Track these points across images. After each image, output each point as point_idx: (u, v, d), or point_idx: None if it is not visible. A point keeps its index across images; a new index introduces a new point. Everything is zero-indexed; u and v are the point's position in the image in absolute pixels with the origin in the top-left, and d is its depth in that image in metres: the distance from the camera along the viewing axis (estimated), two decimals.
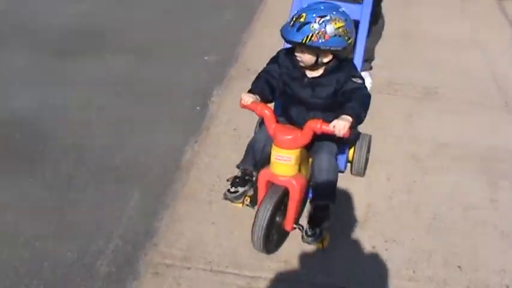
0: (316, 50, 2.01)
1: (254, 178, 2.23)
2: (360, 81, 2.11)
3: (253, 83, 2.19)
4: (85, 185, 2.61)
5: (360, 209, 2.50)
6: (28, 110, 3.14)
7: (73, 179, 2.66)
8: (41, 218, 2.41)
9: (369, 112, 2.07)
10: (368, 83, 3.25)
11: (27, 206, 2.49)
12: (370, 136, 2.66)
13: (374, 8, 2.49)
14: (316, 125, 1.99)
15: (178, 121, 3.13)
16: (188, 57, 3.85)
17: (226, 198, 2.23)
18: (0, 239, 2.28)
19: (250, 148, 2.23)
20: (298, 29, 1.97)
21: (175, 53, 3.90)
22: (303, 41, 1.97)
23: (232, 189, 2.21)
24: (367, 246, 2.30)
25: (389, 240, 2.33)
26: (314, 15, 1.98)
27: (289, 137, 2.03)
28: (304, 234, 2.13)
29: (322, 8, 2.01)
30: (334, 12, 2.01)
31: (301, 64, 2.09)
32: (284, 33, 2.02)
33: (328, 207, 2.17)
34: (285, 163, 2.06)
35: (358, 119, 2.00)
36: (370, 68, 3.51)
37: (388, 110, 3.24)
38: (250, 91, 2.13)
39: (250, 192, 2.25)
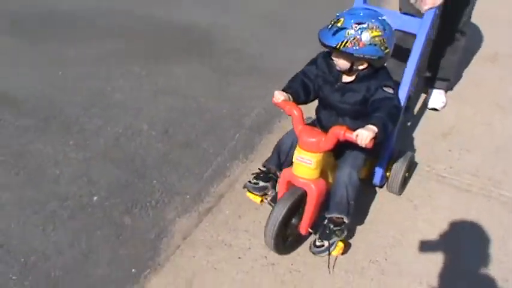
0: (351, 57, 1.97)
1: (277, 178, 2.22)
2: (391, 91, 2.04)
3: (289, 82, 2.18)
4: (239, 74, 3.47)
5: None
6: (202, 23, 4.14)
7: (231, 69, 3.52)
8: (205, 87, 3.34)
9: None
10: (440, 101, 3.19)
11: (197, 80, 3.42)
12: (413, 155, 2.55)
13: (432, 23, 2.37)
14: (339, 132, 1.92)
15: None
16: None
17: (245, 186, 2.26)
18: (171, 94, 3.21)
19: (277, 148, 2.22)
20: (334, 34, 1.94)
21: None
22: (337, 46, 1.93)
23: (253, 181, 2.23)
24: None
25: None
26: (352, 21, 1.93)
27: (313, 139, 1.98)
28: (312, 243, 2.09)
29: (361, 14, 1.97)
30: (372, 20, 1.95)
31: (337, 68, 2.06)
32: (321, 35, 1.98)
33: (343, 222, 2.07)
34: (305, 165, 2.01)
35: (384, 130, 1.91)
36: (447, 88, 3.33)
37: None
38: (283, 89, 2.12)
39: (273, 192, 2.24)
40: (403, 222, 2.39)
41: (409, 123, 3.08)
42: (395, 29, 2.34)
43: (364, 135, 1.85)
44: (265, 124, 2.96)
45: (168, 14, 4.21)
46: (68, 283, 2.02)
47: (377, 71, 2.07)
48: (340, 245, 2.07)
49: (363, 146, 1.86)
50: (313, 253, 2.07)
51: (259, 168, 2.29)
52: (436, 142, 2.95)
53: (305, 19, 4.15)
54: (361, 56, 1.96)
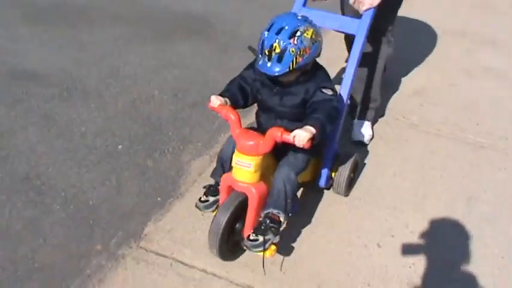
0: (302, 68, 1.99)
1: None
2: (330, 92, 2.05)
3: (226, 86, 2.15)
4: (236, 51, 3.85)
5: None
6: (199, 10, 4.57)
7: (228, 46, 3.97)
8: (207, 61, 3.77)
9: None
10: (367, 135, 2.92)
11: (199, 55, 3.86)
12: (356, 155, 2.56)
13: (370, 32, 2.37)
14: (277, 133, 1.92)
15: None
16: None
17: (196, 206, 2.20)
18: (178, 67, 3.63)
19: (219, 159, 2.19)
20: (279, 61, 1.92)
21: None
22: (291, 69, 1.93)
23: (203, 198, 2.19)
24: None
25: None
26: (285, 38, 1.91)
27: (251, 143, 1.96)
28: (246, 238, 2.02)
29: (286, 27, 1.93)
30: (298, 24, 1.95)
31: (285, 83, 2.07)
32: (265, 70, 1.96)
33: (279, 221, 2.04)
34: (244, 169, 1.98)
35: (322, 131, 1.93)
36: (372, 116, 3.01)
37: None
38: (221, 94, 2.09)
39: None
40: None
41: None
42: (335, 31, 2.53)
43: (302, 136, 1.85)
44: None
45: (169, 3, 4.62)
46: (105, 210, 2.40)
47: (315, 73, 2.09)
48: (273, 247, 2.03)
49: (301, 146, 1.87)
50: (246, 247, 2.01)
51: (206, 186, 2.24)
52: (408, 99, 3.41)
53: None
54: (312, 58, 2.01)
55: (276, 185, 2.04)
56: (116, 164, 2.67)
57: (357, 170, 2.63)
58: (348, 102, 2.43)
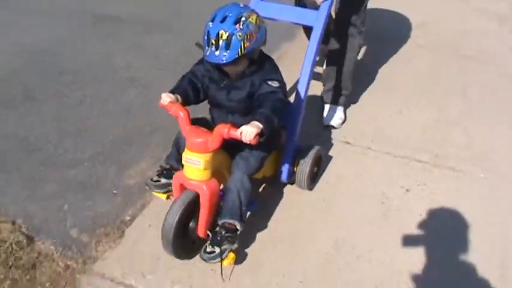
0: (250, 54, 1.95)
1: None
2: (275, 84, 2.01)
3: (177, 83, 2.12)
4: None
5: None
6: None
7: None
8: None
9: None
10: (338, 118, 2.98)
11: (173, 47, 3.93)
12: (319, 148, 2.51)
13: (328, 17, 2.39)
14: (223, 130, 1.89)
15: None
16: None
17: (146, 184, 2.24)
18: None
19: (175, 143, 2.20)
20: (227, 47, 1.88)
21: None
22: (240, 54, 1.89)
23: (155, 179, 2.22)
24: None
25: None
26: (230, 24, 1.88)
27: (199, 140, 1.93)
28: (202, 249, 2.01)
29: (229, 14, 1.91)
30: (241, 11, 1.93)
31: (233, 76, 2.04)
32: (213, 59, 1.91)
33: (236, 230, 2.03)
34: (194, 166, 1.96)
35: (269, 125, 1.89)
36: (344, 102, 3.06)
37: None
38: (171, 91, 2.05)
39: None
40: None
41: None
42: (292, 23, 2.54)
43: (249, 132, 1.83)
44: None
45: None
46: None
47: (262, 65, 2.05)
48: (232, 255, 2.02)
49: (248, 142, 1.85)
50: (204, 259, 2.00)
51: (160, 166, 2.29)
52: None
53: None
54: (259, 44, 1.97)
55: (230, 193, 2.03)
56: None
57: (320, 163, 2.59)
58: (307, 94, 2.41)
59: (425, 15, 4.41)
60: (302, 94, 2.36)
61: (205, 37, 1.92)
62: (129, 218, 2.36)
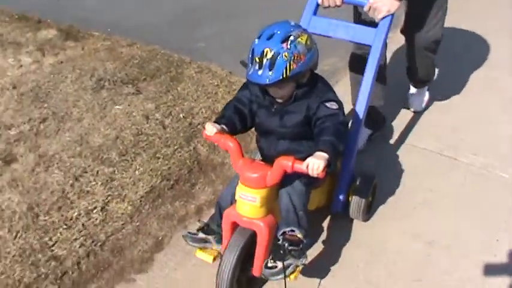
0: (296, 77, 1.79)
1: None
2: (334, 106, 1.86)
3: (221, 111, 1.97)
4: None
5: None
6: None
7: None
8: None
9: None
10: (424, 103, 2.99)
11: None
12: (373, 177, 2.33)
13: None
14: (287, 163, 1.72)
15: None
16: None
17: (183, 236, 2.04)
18: None
19: (218, 205, 2.00)
20: (271, 67, 1.73)
21: None
22: (284, 76, 1.74)
23: (193, 231, 2.02)
24: None
25: None
26: (277, 42, 1.74)
27: (255, 175, 1.77)
28: (264, 265, 1.85)
29: (277, 32, 1.77)
30: (291, 29, 1.79)
31: (279, 100, 1.89)
32: (255, 79, 1.76)
33: (300, 240, 1.86)
34: (250, 203, 1.78)
35: (334, 154, 1.75)
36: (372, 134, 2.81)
37: None
38: (216, 121, 1.90)
39: (218, 248, 1.98)
40: None
41: None
42: (349, 41, 2.33)
43: (316, 165, 1.67)
44: None
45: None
46: None
47: (315, 85, 1.89)
48: (299, 269, 1.86)
49: (315, 176, 1.69)
50: (264, 276, 1.85)
51: (202, 222, 2.06)
52: None
53: None
54: (308, 68, 1.82)
55: (282, 198, 1.87)
56: None
57: (375, 193, 2.38)
58: (364, 119, 2.24)
59: None
60: (359, 118, 2.19)
61: (250, 54, 1.79)
62: None
